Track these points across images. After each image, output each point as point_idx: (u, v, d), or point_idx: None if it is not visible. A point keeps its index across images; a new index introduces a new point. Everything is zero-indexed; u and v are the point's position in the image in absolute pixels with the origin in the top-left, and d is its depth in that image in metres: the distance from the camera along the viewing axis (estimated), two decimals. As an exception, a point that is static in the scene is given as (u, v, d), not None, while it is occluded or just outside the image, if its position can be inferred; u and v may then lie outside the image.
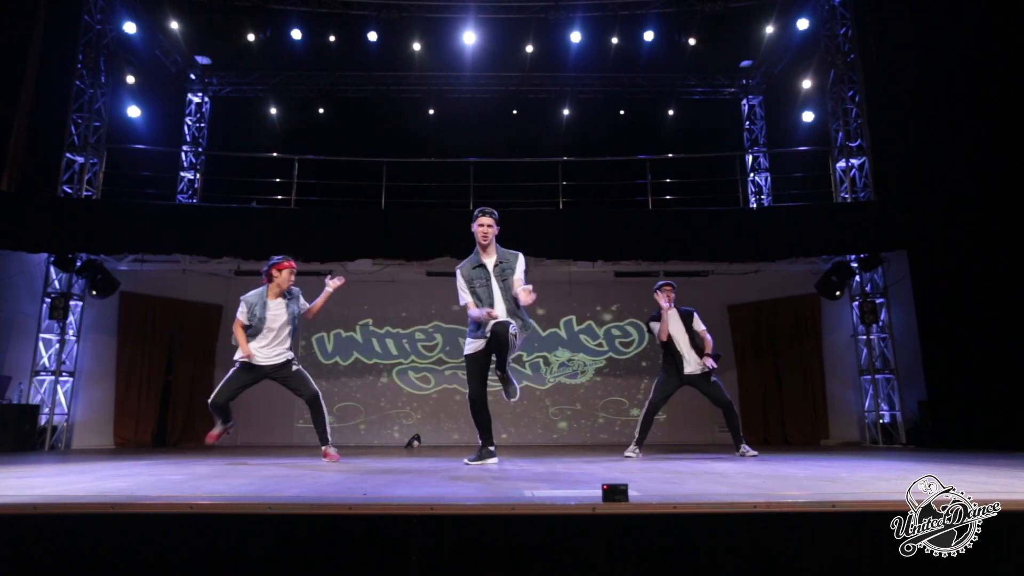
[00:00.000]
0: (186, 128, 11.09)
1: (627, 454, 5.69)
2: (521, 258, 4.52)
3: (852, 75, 9.22)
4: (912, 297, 8.13)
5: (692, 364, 5.73)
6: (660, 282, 5.91)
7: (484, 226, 4.46)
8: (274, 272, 5.02)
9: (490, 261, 4.47)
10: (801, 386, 9.35)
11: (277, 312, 5.03)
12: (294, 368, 5.08)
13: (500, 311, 4.33)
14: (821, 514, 1.88)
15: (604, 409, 10.14)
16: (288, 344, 5.11)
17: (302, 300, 5.20)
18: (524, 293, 4.20)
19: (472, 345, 4.45)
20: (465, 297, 4.45)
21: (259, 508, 1.95)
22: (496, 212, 4.52)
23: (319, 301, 5.18)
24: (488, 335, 4.26)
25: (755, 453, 5.73)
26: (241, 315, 5.00)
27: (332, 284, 5.13)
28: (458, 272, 4.49)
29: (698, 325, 5.82)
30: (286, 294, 5.09)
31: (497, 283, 4.41)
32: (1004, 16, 7.15)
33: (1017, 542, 1.83)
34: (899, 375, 8.48)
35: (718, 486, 2.67)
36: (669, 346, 5.81)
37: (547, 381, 10.20)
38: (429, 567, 1.80)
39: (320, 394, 5.11)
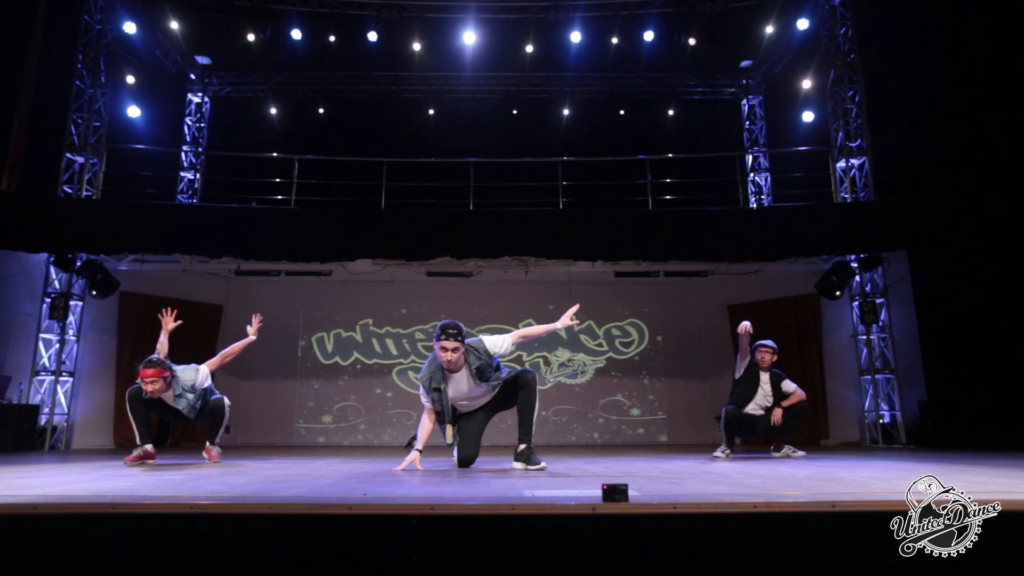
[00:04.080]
0: (186, 128, 11.09)
1: (716, 454, 5.47)
2: (486, 340, 3.99)
3: (852, 75, 9.22)
4: (912, 297, 8.13)
5: (756, 408, 5.64)
6: (764, 342, 5.73)
7: (448, 351, 3.77)
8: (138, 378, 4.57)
9: (462, 374, 3.93)
10: (801, 386, 9.28)
11: (171, 403, 4.74)
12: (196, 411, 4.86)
13: (472, 392, 3.98)
14: (821, 514, 1.88)
15: (604, 409, 10.15)
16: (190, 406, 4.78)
17: (199, 379, 4.76)
18: (568, 318, 3.94)
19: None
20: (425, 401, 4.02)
21: (259, 508, 1.95)
22: (462, 327, 3.82)
23: (236, 348, 5.00)
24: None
25: (802, 453, 5.71)
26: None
27: (253, 330, 5.06)
28: (419, 383, 4.05)
29: (787, 387, 5.69)
30: (174, 389, 4.66)
31: (468, 379, 3.95)
32: (1004, 16, 7.15)
33: (1017, 542, 1.83)
34: (899, 375, 8.47)
35: (718, 486, 2.67)
36: (749, 384, 5.66)
37: (547, 381, 10.20)
38: (429, 567, 1.80)
39: (224, 403, 4.96)
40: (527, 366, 10.20)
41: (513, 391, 3.98)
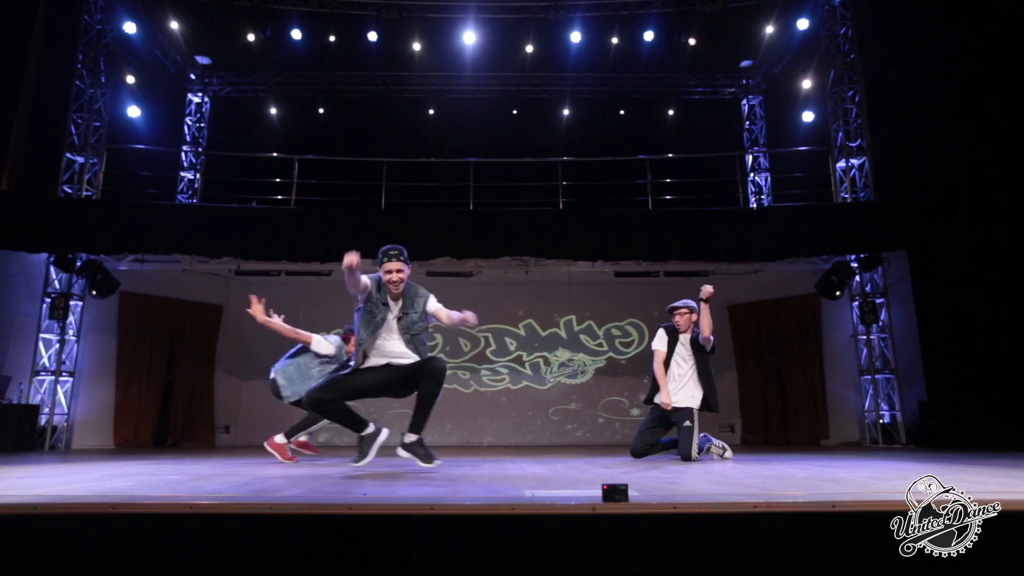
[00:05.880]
0: (186, 128, 11.08)
1: (726, 456, 5.20)
2: (432, 299, 3.87)
3: (852, 75, 9.22)
4: (912, 297, 8.13)
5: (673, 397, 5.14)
6: (676, 304, 5.46)
7: (392, 272, 3.66)
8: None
9: (396, 306, 3.74)
10: (801, 386, 9.35)
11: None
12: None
13: (396, 348, 3.70)
14: (821, 514, 1.88)
15: (604, 409, 10.14)
16: None
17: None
18: (470, 316, 3.67)
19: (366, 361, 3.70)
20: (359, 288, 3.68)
21: (259, 508, 1.95)
22: (405, 250, 3.76)
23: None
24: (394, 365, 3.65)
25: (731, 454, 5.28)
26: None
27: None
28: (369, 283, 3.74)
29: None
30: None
31: (397, 327, 3.73)
32: (1004, 16, 7.15)
33: (1017, 542, 1.83)
34: (899, 375, 8.47)
35: (718, 486, 2.67)
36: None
37: (547, 381, 10.20)
38: (429, 567, 1.80)
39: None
40: (527, 366, 10.21)
41: (416, 377, 3.65)
